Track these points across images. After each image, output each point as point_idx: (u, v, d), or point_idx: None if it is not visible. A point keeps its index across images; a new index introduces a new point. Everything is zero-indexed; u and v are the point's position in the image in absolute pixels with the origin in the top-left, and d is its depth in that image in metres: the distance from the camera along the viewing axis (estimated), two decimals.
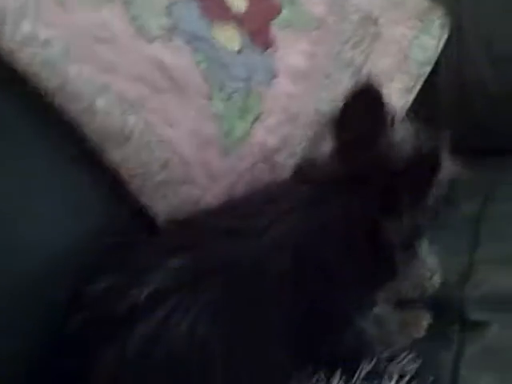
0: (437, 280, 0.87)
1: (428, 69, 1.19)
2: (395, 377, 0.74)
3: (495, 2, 1.21)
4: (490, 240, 0.94)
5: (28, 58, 0.67)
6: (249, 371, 0.68)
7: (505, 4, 1.20)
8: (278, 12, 0.99)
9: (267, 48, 0.93)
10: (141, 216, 0.77)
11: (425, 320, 0.85)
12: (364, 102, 0.74)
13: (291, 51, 0.97)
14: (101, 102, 0.70)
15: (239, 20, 0.91)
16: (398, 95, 1.15)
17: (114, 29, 0.72)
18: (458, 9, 1.22)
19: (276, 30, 0.97)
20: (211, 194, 0.79)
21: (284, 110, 0.92)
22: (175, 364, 0.64)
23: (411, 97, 1.17)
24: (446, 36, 1.21)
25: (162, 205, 0.77)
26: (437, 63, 1.20)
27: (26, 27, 0.66)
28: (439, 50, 1.21)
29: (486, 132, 1.21)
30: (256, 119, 0.87)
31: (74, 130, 0.71)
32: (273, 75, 0.92)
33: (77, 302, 0.67)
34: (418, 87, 1.18)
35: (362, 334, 0.74)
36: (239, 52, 0.88)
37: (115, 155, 0.73)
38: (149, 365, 0.63)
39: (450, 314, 0.85)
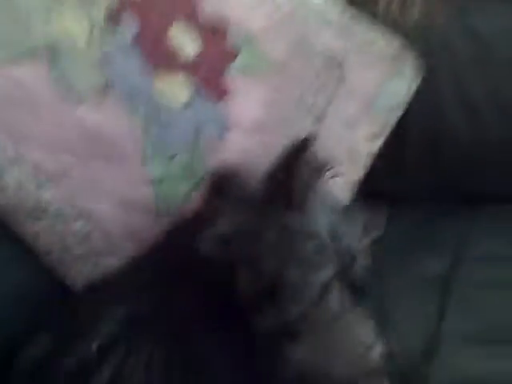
0: (377, 352, 0.78)
1: (397, 114, 1.12)
2: None
3: (469, 45, 1.14)
4: (457, 310, 0.88)
5: None
6: None
7: (479, 49, 1.14)
8: (234, 56, 0.91)
9: (221, 98, 0.85)
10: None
11: None
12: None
13: (248, 100, 0.90)
14: (12, 176, 0.61)
15: (189, 67, 0.84)
16: (363, 143, 1.08)
17: (33, 89, 0.63)
18: (430, 51, 1.15)
19: (232, 76, 0.89)
20: None
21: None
22: None
23: (378, 143, 1.10)
24: (419, 79, 1.14)
25: (81, 276, 0.70)
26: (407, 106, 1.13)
27: None
28: (411, 93, 1.13)
29: (455, 183, 1.14)
30: (201, 180, 0.78)
31: None
32: (225, 128, 0.84)
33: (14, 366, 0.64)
34: (386, 133, 1.11)
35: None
36: (187, 105, 0.81)
37: (29, 229, 0.64)
38: None
39: None
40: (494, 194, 1.11)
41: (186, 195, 0.77)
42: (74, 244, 0.68)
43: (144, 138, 0.73)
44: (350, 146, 1.07)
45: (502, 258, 0.95)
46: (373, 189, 1.03)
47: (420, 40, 1.12)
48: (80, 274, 0.70)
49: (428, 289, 0.90)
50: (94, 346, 0.62)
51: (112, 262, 0.71)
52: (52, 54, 0.66)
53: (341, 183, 1.04)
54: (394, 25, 1.15)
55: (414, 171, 1.16)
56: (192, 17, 0.84)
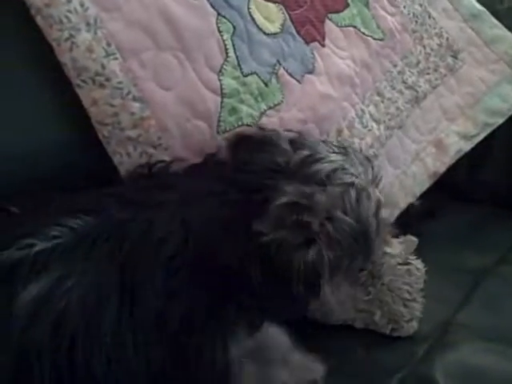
0: (413, 326, 0.82)
1: (499, 121, 1.08)
2: None
3: None
4: (480, 304, 0.87)
5: None
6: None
7: None
8: (343, 8, 0.91)
9: (313, 41, 0.85)
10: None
11: None
12: None
13: (342, 53, 0.89)
14: (84, 37, 0.65)
15: (289, 2, 0.84)
16: (455, 139, 1.04)
17: None
18: None
19: (333, 25, 0.89)
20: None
21: (311, 108, 0.83)
22: (62, 329, 0.59)
23: (469, 145, 1.06)
24: None
25: (125, 159, 0.71)
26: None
27: None
28: None
29: None
30: (272, 108, 0.79)
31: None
32: (308, 70, 0.84)
33: None
34: (481, 137, 1.07)
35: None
36: (275, 35, 0.81)
37: (88, 95, 0.67)
38: (36, 328, 0.58)
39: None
40: None
41: (251, 118, 0.76)
42: (125, 125, 0.69)
43: (224, 47, 0.74)
44: (441, 137, 1.04)
45: None
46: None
47: None
48: (127, 157, 0.71)
49: (460, 279, 0.91)
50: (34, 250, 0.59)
51: (160, 157, 0.71)
52: None
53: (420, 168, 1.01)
54: None
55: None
56: None
